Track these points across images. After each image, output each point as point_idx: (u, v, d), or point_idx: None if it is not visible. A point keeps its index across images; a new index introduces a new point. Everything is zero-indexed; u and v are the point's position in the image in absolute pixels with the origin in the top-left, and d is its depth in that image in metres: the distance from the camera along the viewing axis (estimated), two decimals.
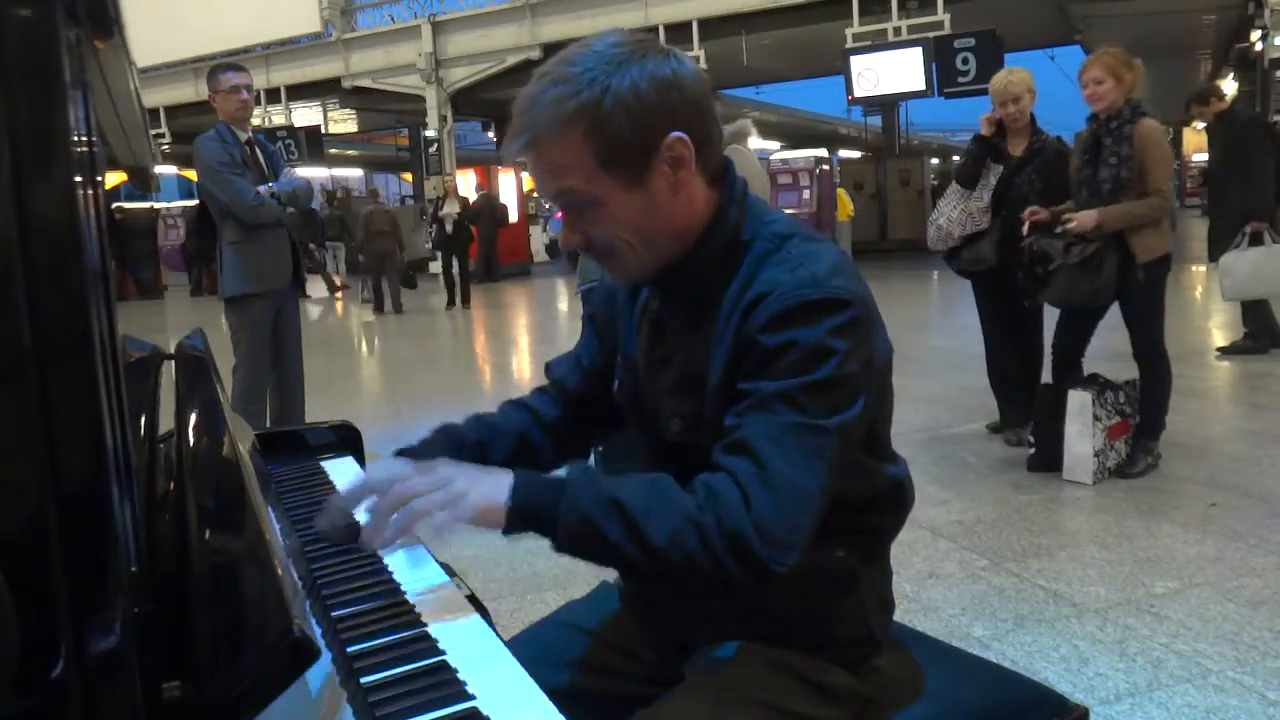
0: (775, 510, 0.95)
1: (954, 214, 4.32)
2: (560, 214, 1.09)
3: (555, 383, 1.37)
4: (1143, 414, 3.91)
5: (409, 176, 26.86)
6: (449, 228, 13.18)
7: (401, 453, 1.26)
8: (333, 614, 0.99)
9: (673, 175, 1.04)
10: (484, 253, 16.53)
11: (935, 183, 20.34)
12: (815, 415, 0.98)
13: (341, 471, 1.52)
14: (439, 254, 14.13)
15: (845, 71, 12.53)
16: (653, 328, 1.18)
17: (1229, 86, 15.04)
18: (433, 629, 0.96)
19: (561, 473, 1.08)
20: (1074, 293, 3.75)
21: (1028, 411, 4.27)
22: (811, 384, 0.98)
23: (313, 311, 13.55)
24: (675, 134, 1.02)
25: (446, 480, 1.01)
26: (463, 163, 18.78)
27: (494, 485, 1.00)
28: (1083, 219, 3.64)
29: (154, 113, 16.93)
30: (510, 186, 18.37)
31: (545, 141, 1.02)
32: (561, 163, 1.02)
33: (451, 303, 12.90)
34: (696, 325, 1.11)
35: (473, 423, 1.32)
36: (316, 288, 14.77)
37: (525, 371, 8.00)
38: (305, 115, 18.81)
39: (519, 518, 0.99)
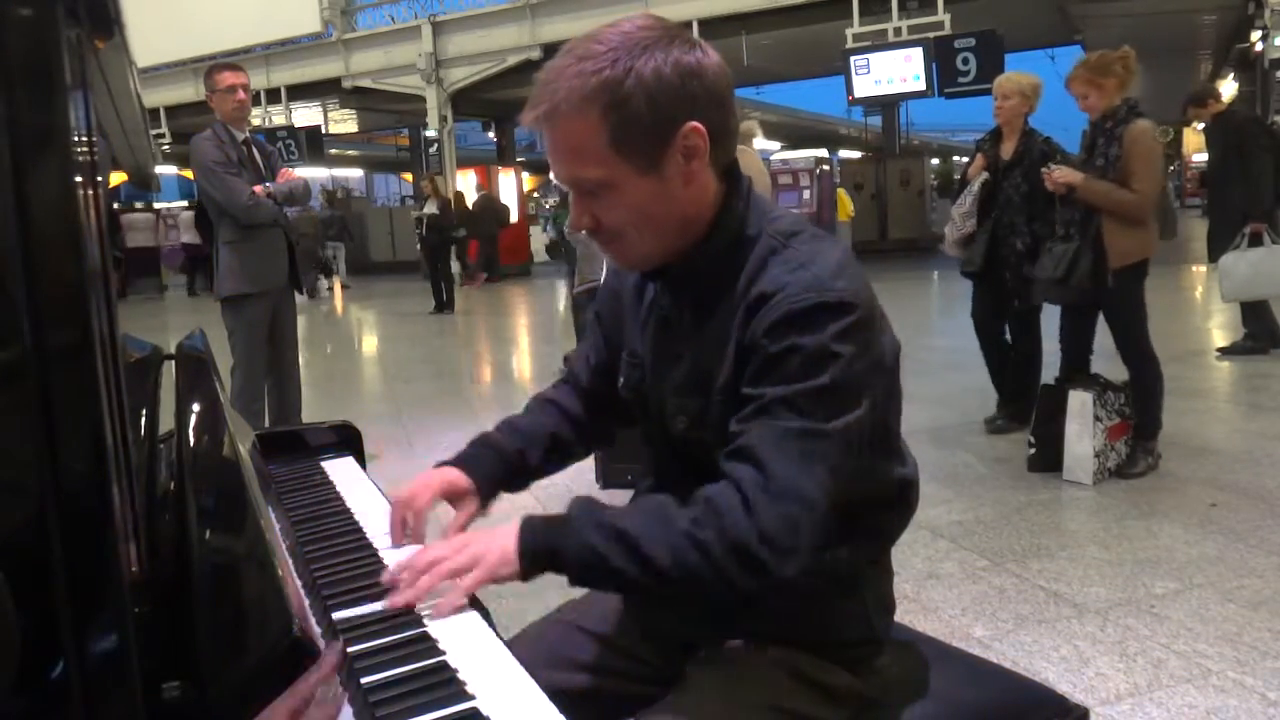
0: (779, 517, 0.96)
1: (953, 220, 4.56)
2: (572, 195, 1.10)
3: (572, 376, 1.39)
4: (1137, 415, 3.92)
5: (409, 176, 26.85)
6: (423, 230, 12.81)
7: (442, 464, 1.28)
8: (333, 614, 0.99)
9: (685, 165, 1.04)
10: (484, 253, 16.48)
11: (935, 183, 20.33)
12: (817, 420, 0.98)
13: (341, 472, 1.52)
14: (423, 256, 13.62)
15: (845, 71, 12.54)
16: (660, 324, 1.18)
17: (1229, 87, 15.05)
18: (433, 629, 0.96)
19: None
20: (1047, 290, 3.92)
21: (1017, 408, 4.48)
22: (813, 389, 0.98)
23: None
24: (692, 123, 1.02)
25: (463, 545, 1.05)
26: (463, 163, 18.75)
27: (504, 537, 1.04)
28: (1066, 174, 3.71)
29: (154, 113, 16.92)
30: (510, 186, 18.34)
31: (563, 115, 1.01)
32: (577, 143, 1.02)
33: (437, 308, 12.21)
34: (704, 322, 1.11)
35: (506, 430, 1.33)
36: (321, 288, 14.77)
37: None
38: (305, 115, 18.81)
39: (531, 563, 1.02)
